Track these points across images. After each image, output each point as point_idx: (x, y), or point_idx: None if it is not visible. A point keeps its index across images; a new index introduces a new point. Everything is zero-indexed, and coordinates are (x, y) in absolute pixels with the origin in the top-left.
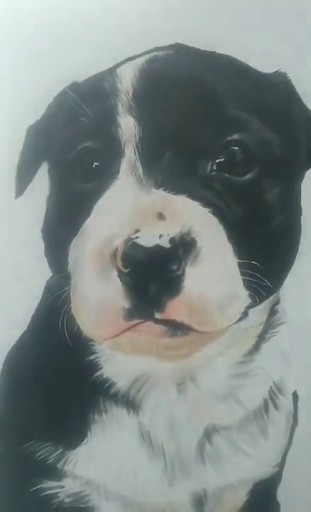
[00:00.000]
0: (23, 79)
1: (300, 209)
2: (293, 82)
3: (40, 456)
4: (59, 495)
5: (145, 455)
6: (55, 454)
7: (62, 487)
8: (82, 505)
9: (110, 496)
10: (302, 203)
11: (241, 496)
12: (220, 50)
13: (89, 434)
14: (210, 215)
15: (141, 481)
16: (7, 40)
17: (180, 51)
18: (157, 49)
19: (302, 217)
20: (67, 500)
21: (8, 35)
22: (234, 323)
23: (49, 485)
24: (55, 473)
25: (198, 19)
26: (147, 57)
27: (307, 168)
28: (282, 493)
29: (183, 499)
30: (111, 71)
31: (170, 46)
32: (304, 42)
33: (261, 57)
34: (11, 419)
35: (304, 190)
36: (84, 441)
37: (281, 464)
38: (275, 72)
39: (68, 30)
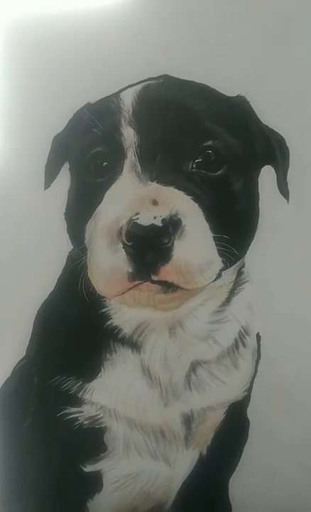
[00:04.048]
0: (50, 100)
1: (258, 195)
2: (250, 102)
3: (64, 387)
4: (79, 418)
5: (146, 384)
6: (76, 386)
7: (82, 412)
8: (97, 426)
9: (119, 418)
10: (259, 191)
11: (220, 414)
12: (197, 79)
13: (102, 369)
14: (192, 201)
15: (142, 405)
16: (39, 71)
17: (167, 80)
18: (150, 79)
19: (259, 202)
20: (85, 422)
21: (39, 68)
22: (211, 282)
23: (71, 410)
24: (76, 401)
25: (181, 56)
26: (143, 84)
27: (262, 166)
28: (250, 412)
29: (175, 418)
30: (116, 95)
31: (160, 76)
32: (259, 74)
33: (227, 84)
34: (43, 358)
35: (261, 182)
36: (99, 375)
37: (249, 389)
38: (237, 95)
39: (85, 64)
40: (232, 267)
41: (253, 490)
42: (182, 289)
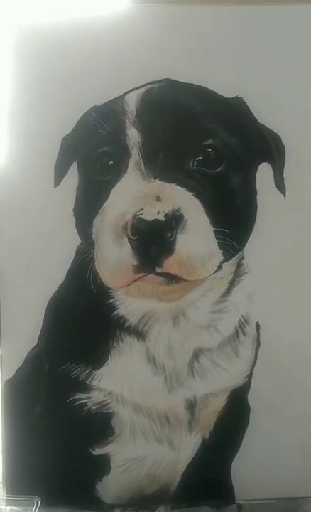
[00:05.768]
0: (59, 104)
1: (256, 191)
2: (247, 103)
3: (74, 374)
4: (88, 404)
5: (151, 371)
6: (84, 373)
7: (90, 398)
8: (105, 411)
9: (125, 403)
10: (256, 187)
11: (222, 400)
12: (197, 82)
13: (109, 357)
14: (193, 197)
15: (148, 391)
16: (48, 75)
17: (169, 83)
18: (153, 82)
19: (257, 197)
20: (93, 407)
21: (48, 72)
22: (212, 274)
23: (80, 396)
24: (84, 387)
25: (181, 61)
26: (146, 87)
27: (260, 163)
28: (251, 397)
29: (179, 404)
30: (121, 97)
31: (162, 80)
32: (255, 77)
33: (225, 86)
34: (53, 346)
35: (258, 178)
36: (106, 362)
37: (250, 376)
38: (234, 97)
39: (92, 68)
40: (232, 259)
41: (254, 472)
42: (184, 280)
